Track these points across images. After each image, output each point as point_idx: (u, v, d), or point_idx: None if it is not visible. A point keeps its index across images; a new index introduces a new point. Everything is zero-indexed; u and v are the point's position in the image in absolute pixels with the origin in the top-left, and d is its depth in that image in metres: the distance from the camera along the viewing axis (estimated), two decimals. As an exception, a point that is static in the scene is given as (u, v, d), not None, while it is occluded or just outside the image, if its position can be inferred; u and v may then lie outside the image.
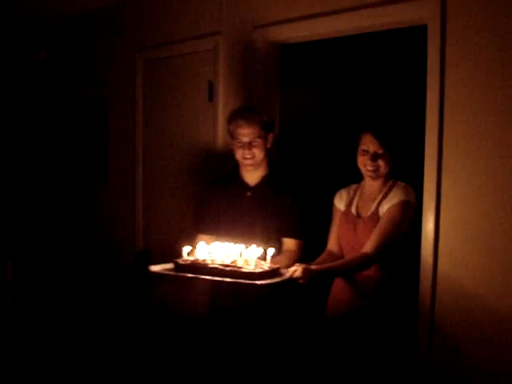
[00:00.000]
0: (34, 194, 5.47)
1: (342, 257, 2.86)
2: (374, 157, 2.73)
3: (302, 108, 3.88)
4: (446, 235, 2.74)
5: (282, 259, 2.88)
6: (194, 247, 2.64)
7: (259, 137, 3.01)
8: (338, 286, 2.89)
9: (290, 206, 3.01)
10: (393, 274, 2.74)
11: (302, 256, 2.96)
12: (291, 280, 2.49)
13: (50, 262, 5.10)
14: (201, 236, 3.06)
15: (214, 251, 2.61)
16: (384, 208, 2.71)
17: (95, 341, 3.64)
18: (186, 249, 2.62)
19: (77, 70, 5.21)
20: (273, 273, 2.50)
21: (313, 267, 2.54)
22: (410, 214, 2.71)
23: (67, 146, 5.38)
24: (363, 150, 2.76)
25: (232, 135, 3.07)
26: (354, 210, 2.85)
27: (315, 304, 3.00)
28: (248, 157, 3.01)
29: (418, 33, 2.92)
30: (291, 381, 2.89)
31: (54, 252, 5.27)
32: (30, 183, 5.46)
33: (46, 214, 5.48)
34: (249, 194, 3.08)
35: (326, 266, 2.63)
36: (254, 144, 3.00)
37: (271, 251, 2.61)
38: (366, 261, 2.65)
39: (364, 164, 2.78)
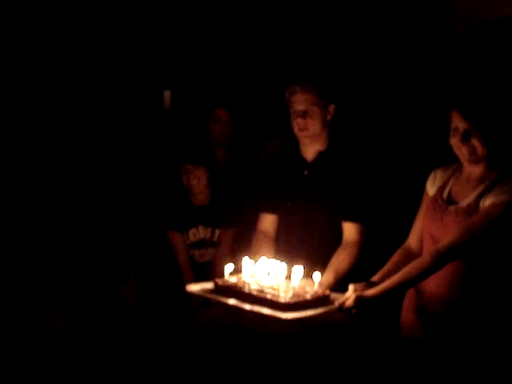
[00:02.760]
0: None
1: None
2: (465, 135, 2.21)
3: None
4: None
5: (344, 258, 2.59)
6: (239, 266, 2.41)
7: (316, 105, 2.66)
8: (412, 298, 2.44)
9: (351, 184, 2.67)
10: (485, 271, 2.24)
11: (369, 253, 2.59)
12: (340, 309, 2.16)
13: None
14: (263, 215, 2.85)
15: (259, 272, 2.37)
16: (487, 202, 2.18)
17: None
18: (228, 268, 2.40)
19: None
20: (315, 302, 2.19)
21: (369, 293, 2.16)
22: None
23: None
24: (454, 130, 2.26)
25: (288, 104, 2.74)
26: (445, 195, 2.34)
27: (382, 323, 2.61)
28: (302, 127, 2.68)
29: None
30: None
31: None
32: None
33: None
34: (305, 172, 2.77)
35: (385, 286, 2.18)
36: (309, 113, 2.66)
37: (317, 276, 2.29)
38: (437, 261, 2.17)
39: (456, 146, 2.27)
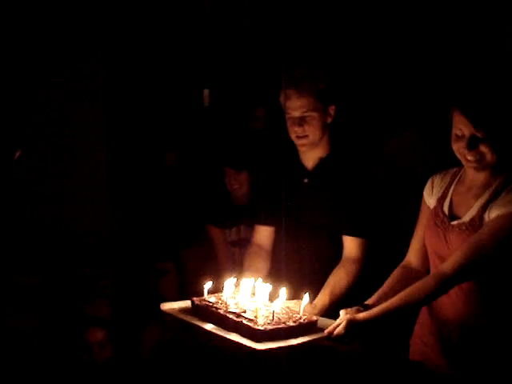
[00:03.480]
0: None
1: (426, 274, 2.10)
2: (473, 142, 1.91)
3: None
4: None
5: (342, 277, 2.32)
6: (221, 284, 2.16)
7: (314, 109, 2.38)
8: (426, 323, 2.14)
9: (353, 194, 2.39)
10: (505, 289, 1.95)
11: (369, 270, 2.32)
12: (329, 338, 1.89)
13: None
14: (259, 227, 2.61)
15: (242, 292, 2.11)
16: (493, 214, 1.89)
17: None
18: (207, 285, 2.15)
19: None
20: (299, 329, 1.91)
21: (362, 316, 1.87)
22: None
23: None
24: (457, 134, 1.95)
25: (283, 109, 2.47)
26: (446, 208, 2.04)
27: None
28: (300, 135, 2.41)
29: None
30: None
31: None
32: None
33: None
34: (305, 180, 2.50)
35: (380, 309, 1.89)
36: (307, 119, 2.38)
37: (305, 299, 2.02)
38: (441, 284, 1.88)
39: (461, 152, 1.96)
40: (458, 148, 1.96)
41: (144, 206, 4.26)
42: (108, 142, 4.04)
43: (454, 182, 2.08)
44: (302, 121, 2.39)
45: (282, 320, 1.90)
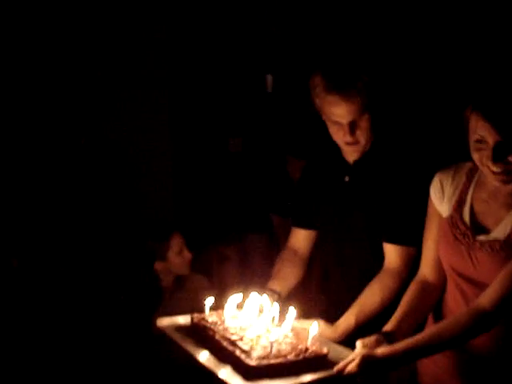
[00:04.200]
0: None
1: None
2: (499, 152, 1.52)
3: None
4: None
5: (375, 293, 1.96)
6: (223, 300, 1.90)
7: (365, 110, 1.95)
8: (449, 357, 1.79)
9: (396, 193, 2.00)
10: None
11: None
12: (339, 377, 1.59)
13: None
14: (294, 229, 2.28)
15: (245, 311, 1.84)
16: None
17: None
18: (208, 301, 1.89)
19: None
20: (302, 364, 1.63)
21: (381, 352, 1.56)
22: None
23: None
24: (478, 141, 1.56)
25: (319, 110, 2.04)
26: (467, 218, 1.67)
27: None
28: (350, 141, 2.02)
29: None
30: None
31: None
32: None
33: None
34: (346, 179, 2.12)
35: (405, 345, 1.56)
36: (359, 124, 1.97)
37: (315, 329, 1.72)
38: (481, 322, 1.55)
39: (483, 163, 1.58)
40: (481, 158, 1.58)
41: (207, 191, 4.23)
42: (171, 130, 4.06)
43: (472, 184, 1.70)
44: (353, 127, 1.98)
45: (283, 352, 1.62)
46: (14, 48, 3.56)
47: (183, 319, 1.90)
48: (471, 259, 1.65)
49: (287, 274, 2.18)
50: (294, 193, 2.38)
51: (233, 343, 1.65)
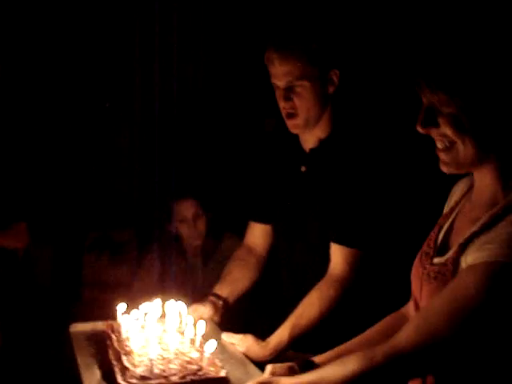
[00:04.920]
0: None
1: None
2: (429, 116, 1.18)
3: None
4: None
5: (314, 302, 1.71)
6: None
7: (304, 77, 1.75)
8: None
9: (351, 193, 1.76)
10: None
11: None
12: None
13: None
14: (252, 224, 2.04)
15: (149, 321, 1.59)
16: (468, 260, 1.17)
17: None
18: (120, 307, 1.66)
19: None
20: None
21: (286, 382, 1.25)
22: None
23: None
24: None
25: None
26: (441, 235, 1.32)
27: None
28: (290, 111, 1.79)
29: None
30: None
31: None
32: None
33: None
34: (303, 169, 1.88)
35: (314, 376, 1.25)
36: (296, 90, 1.77)
37: (212, 347, 1.43)
38: (395, 362, 1.19)
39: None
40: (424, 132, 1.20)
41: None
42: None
43: (466, 195, 1.35)
44: (289, 92, 1.77)
45: (167, 372, 1.37)
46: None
47: (101, 325, 1.69)
48: (421, 284, 1.32)
49: (237, 277, 1.95)
50: (251, 182, 2.12)
51: (118, 358, 1.42)
